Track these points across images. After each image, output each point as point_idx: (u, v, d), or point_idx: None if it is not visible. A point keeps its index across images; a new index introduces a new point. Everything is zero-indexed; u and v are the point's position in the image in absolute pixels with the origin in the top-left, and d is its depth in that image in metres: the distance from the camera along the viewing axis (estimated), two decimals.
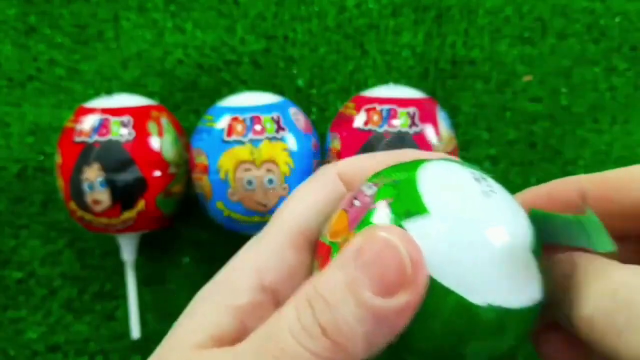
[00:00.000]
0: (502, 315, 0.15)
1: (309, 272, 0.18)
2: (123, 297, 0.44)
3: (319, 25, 0.44)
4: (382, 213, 0.15)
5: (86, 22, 0.45)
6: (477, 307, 0.15)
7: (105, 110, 0.38)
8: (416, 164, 0.17)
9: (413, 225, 0.15)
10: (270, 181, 0.36)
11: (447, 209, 0.15)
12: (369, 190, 0.16)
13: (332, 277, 0.14)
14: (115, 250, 0.43)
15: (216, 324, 0.16)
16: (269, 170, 0.36)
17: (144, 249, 0.44)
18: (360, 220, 0.16)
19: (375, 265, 0.14)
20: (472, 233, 0.15)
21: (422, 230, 0.15)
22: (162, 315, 0.45)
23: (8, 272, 0.45)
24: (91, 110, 0.38)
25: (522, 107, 0.44)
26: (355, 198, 0.17)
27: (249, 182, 0.36)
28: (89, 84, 0.45)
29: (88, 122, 0.38)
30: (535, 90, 0.44)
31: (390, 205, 0.15)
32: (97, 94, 0.44)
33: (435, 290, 0.14)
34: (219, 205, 0.37)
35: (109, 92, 0.44)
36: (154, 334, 0.45)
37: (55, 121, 0.45)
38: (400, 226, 0.15)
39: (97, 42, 0.45)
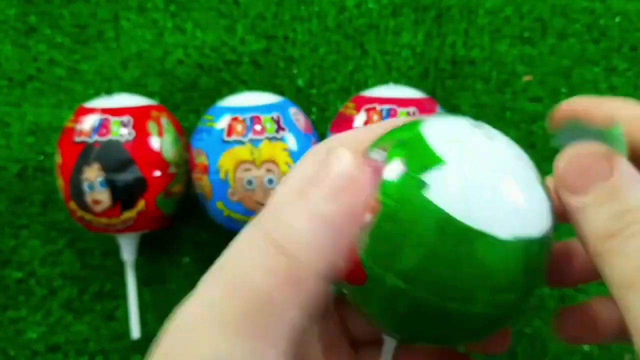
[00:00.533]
0: (527, 246, 0.16)
1: None
2: (123, 297, 0.44)
3: (319, 25, 0.44)
4: (399, 170, 0.16)
5: (86, 22, 0.45)
6: (505, 242, 0.15)
7: (105, 110, 0.38)
8: (416, 123, 0.17)
9: (432, 177, 0.15)
10: (271, 181, 0.36)
11: (461, 156, 0.16)
12: (378, 155, 0.17)
13: (287, 197, 0.16)
14: (115, 250, 0.43)
15: (226, 307, 0.16)
16: (269, 170, 0.36)
17: (144, 249, 0.44)
18: (378, 182, 0.16)
19: (324, 178, 0.15)
20: (490, 172, 0.16)
21: (442, 180, 0.15)
22: (162, 315, 0.45)
23: (8, 272, 0.45)
24: (91, 110, 0.38)
25: (522, 107, 0.44)
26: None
27: (249, 182, 0.36)
28: (89, 84, 0.45)
29: (88, 122, 0.38)
30: (535, 90, 0.44)
31: (406, 163, 0.16)
32: (97, 94, 0.44)
33: (466, 235, 0.15)
34: (219, 205, 0.37)
35: (109, 92, 0.44)
36: (154, 334, 0.44)
37: (55, 121, 0.45)
38: (420, 180, 0.16)
39: (97, 42, 0.45)
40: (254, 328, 0.14)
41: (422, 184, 0.15)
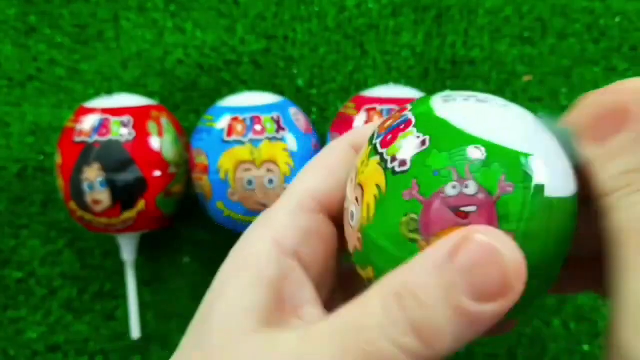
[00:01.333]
0: (575, 204, 0.16)
1: (323, 234, 0.18)
2: (123, 297, 0.44)
3: (319, 25, 0.44)
4: (510, 190, 0.15)
5: (86, 22, 0.45)
6: (567, 199, 0.16)
7: (105, 110, 0.38)
8: (427, 105, 0.17)
9: (536, 173, 0.16)
10: (271, 181, 0.36)
11: (526, 139, 0.16)
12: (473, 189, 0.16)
13: (425, 275, 0.14)
14: (115, 250, 0.43)
15: (254, 302, 0.15)
16: (269, 171, 0.36)
17: (144, 249, 0.44)
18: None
19: (476, 272, 0.14)
20: (545, 142, 0.16)
21: (538, 169, 0.15)
22: (162, 315, 0.45)
23: (8, 272, 0.45)
24: (91, 110, 0.38)
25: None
26: None
27: (249, 182, 0.36)
28: (89, 84, 0.45)
29: (88, 122, 0.38)
30: (535, 90, 0.44)
31: (505, 176, 0.15)
32: (97, 94, 0.44)
33: (558, 206, 0.16)
34: (219, 205, 0.37)
35: (109, 92, 0.44)
36: (154, 334, 0.45)
37: (55, 121, 0.45)
38: (537, 185, 0.15)
39: (97, 42, 0.45)
40: None
41: (539, 188, 0.15)
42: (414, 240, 0.15)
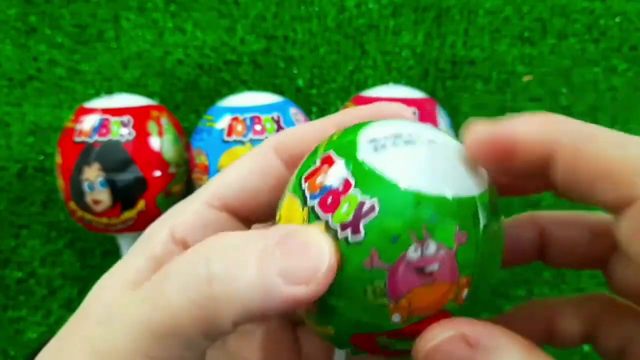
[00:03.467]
0: (500, 213, 0.17)
1: (224, 229, 0.19)
2: None
3: (319, 25, 0.44)
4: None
5: (86, 22, 0.45)
6: (500, 219, 0.17)
7: (105, 110, 0.38)
8: (355, 154, 0.17)
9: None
10: None
11: (439, 185, 0.16)
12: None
13: (237, 237, 0.16)
14: (115, 250, 0.43)
15: (136, 270, 0.18)
16: None
17: None
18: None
19: (295, 254, 0.15)
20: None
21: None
22: None
23: (8, 272, 0.45)
24: (91, 110, 0.38)
25: (522, 107, 0.44)
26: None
27: None
28: (89, 84, 0.45)
29: (88, 122, 0.38)
30: (535, 90, 0.44)
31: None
32: (97, 94, 0.44)
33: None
34: None
35: (109, 92, 0.44)
36: None
37: (55, 121, 0.45)
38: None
39: (97, 42, 0.45)
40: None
41: (486, 225, 0.16)
42: (383, 304, 0.16)
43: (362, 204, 0.15)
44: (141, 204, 0.38)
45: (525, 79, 0.44)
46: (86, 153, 0.37)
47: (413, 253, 0.15)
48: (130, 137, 0.37)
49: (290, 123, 0.38)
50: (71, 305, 0.45)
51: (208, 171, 0.37)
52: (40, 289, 0.45)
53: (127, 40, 0.45)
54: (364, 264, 0.15)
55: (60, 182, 0.38)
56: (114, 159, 0.37)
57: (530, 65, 0.44)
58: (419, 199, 0.15)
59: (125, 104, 0.39)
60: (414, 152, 0.16)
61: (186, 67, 0.45)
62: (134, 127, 0.38)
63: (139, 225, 0.39)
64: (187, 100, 0.45)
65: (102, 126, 0.37)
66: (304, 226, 0.16)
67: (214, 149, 0.37)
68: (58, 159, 0.38)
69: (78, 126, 0.38)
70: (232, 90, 0.44)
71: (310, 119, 0.42)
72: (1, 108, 0.45)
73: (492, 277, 0.17)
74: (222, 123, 0.37)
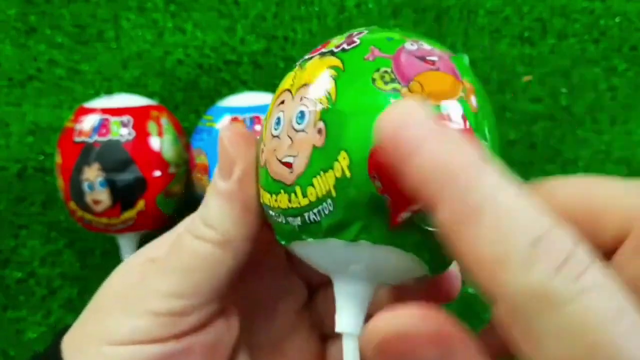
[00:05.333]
0: None
1: None
2: None
3: (319, 25, 0.44)
4: None
5: (86, 22, 0.45)
6: None
7: (105, 110, 0.38)
8: None
9: None
10: None
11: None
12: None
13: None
14: (115, 250, 0.43)
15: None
16: None
17: None
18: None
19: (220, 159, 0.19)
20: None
21: None
22: None
23: (8, 272, 0.45)
24: (91, 110, 0.38)
25: (522, 108, 0.44)
26: None
27: None
28: (89, 84, 0.45)
29: (88, 122, 0.38)
30: (535, 90, 0.44)
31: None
32: (97, 94, 0.44)
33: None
34: None
35: (109, 92, 0.44)
36: None
37: (55, 121, 0.45)
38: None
39: (97, 42, 0.45)
40: None
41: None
42: (394, 90, 0.16)
43: (351, 35, 0.18)
44: (141, 204, 0.38)
45: (525, 79, 0.44)
46: (86, 153, 0.37)
47: (410, 46, 0.16)
48: (130, 137, 0.37)
49: None
50: (71, 305, 0.45)
51: (208, 171, 0.37)
52: (40, 289, 0.45)
53: (127, 40, 0.45)
54: (365, 58, 0.16)
55: (60, 182, 0.38)
56: (114, 159, 0.37)
57: (530, 65, 0.44)
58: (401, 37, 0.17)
59: (125, 104, 0.39)
60: None
61: (186, 67, 0.45)
62: (133, 127, 0.38)
63: (139, 225, 0.39)
64: (187, 100, 0.45)
65: (102, 126, 0.37)
66: None
67: (214, 149, 0.37)
68: (58, 159, 0.38)
69: (78, 126, 0.38)
70: (232, 90, 0.44)
71: None
72: (1, 108, 0.45)
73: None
74: (222, 123, 0.37)
